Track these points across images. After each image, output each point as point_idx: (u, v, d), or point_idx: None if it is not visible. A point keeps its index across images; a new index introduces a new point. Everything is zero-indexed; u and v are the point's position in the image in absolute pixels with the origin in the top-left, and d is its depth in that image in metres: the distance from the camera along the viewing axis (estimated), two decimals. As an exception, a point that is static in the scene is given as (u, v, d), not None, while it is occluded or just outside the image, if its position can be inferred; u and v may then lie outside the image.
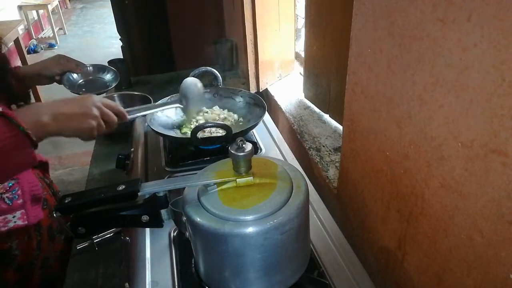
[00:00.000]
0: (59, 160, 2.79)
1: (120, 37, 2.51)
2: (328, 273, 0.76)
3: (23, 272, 0.87)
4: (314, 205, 0.94)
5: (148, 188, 0.63)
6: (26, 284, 0.89)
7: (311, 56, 1.39)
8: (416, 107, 0.59)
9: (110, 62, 1.84)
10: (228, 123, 1.18)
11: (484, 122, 0.47)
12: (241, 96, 1.29)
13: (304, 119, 1.38)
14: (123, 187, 0.62)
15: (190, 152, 1.12)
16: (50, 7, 5.48)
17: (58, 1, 6.03)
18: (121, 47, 2.54)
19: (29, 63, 3.31)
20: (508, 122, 0.43)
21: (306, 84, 1.48)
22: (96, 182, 2.29)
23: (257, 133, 1.23)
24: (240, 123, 1.23)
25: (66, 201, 0.61)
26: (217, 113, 1.25)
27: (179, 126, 1.22)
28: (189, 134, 1.02)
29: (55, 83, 1.08)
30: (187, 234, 0.67)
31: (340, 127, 1.28)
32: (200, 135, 1.05)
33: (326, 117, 1.38)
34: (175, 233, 0.86)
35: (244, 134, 1.11)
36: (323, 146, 1.22)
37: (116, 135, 2.04)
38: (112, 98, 1.43)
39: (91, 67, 1.21)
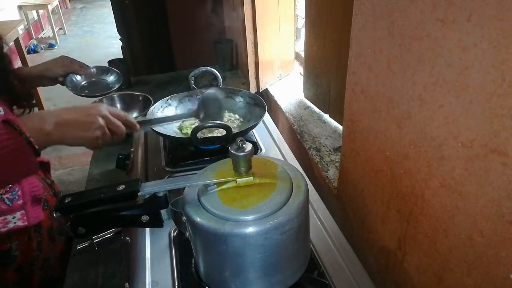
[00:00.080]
0: (59, 160, 2.79)
1: (120, 37, 2.51)
2: (328, 273, 0.76)
3: (23, 272, 0.87)
4: (314, 205, 0.93)
5: (148, 188, 0.63)
6: (26, 284, 0.88)
7: (311, 56, 1.39)
8: (416, 107, 0.59)
9: (110, 62, 1.84)
10: (228, 123, 1.18)
11: (484, 122, 0.47)
12: (241, 96, 1.28)
13: (304, 119, 1.38)
14: (123, 187, 0.62)
15: (190, 152, 1.12)
16: (50, 7, 5.49)
17: (58, 1, 6.03)
18: (121, 47, 2.54)
19: (29, 63, 3.32)
20: (508, 122, 0.43)
21: (306, 84, 1.48)
22: (96, 182, 2.29)
23: (257, 133, 1.23)
24: (240, 123, 1.23)
25: (66, 201, 0.61)
26: (217, 113, 1.25)
27: (179, 126, 1.22)
28: (189, 134, 1.02)
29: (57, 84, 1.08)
30: (187, 234, 0.67)
31: (340, 127, 1.28)
32: (200, 135, 1.05)
33: (326, 117, 1.38)
34: (175, 233, 0.86)
35: (244, 134, 1.11)
36: (323, 146, 1.22)
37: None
38: (112, 98, 1.43)
39: (94, 69, 1.22)
